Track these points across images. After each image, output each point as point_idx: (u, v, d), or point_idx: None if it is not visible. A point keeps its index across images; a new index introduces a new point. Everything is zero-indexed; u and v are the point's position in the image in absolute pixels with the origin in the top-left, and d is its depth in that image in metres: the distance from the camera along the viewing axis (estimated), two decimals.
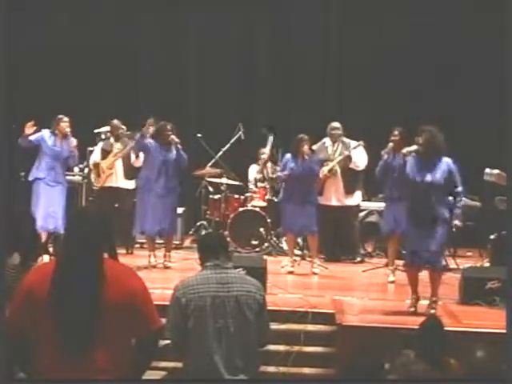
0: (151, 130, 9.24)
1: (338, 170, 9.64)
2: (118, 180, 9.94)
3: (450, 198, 6.94)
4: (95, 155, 10.09)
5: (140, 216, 8.93)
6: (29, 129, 8.92)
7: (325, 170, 9.53)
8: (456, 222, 6.99)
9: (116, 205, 9.80)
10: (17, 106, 9.18)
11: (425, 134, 6.75)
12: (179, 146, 8.90)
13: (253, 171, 11.04)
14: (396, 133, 8.54)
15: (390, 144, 8.49)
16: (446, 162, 6.73)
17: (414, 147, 6.80)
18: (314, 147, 9.66)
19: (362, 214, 10.42)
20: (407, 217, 6.97)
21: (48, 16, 11.75)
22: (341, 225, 9.90)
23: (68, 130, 9.03)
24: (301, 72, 12.16)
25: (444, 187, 6.73)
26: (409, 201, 7.00)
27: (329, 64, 12.28)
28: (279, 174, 9.25)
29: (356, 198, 9.96)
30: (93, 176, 10.01)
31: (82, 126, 9.48)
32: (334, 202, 9.73)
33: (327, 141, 9.82)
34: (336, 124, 9.81)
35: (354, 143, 9.72)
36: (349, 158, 9.63)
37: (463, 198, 9.74)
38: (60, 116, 9.10)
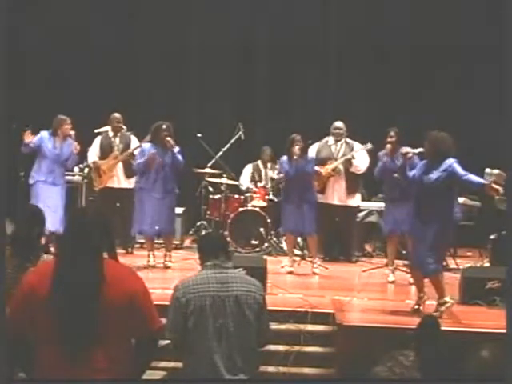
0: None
1: (342, 170, 9.65)
2: (120, 181, 9.93)
3: None
4: (93, 152, 9.97)
5: (138, 217, 8.91)
6: (27, 138, 8.94)
7: (328, 168, 9.54)
8: None
9: (117, 204, 9.79)
10: (17, 106, 9.17)
11: (428, 138, 6.76)
12: (176, 147, 8.87)
13: (247, 172, 11.03)
14: (392, 134, 8.56)
15: (388, 146, 8.51)
16: (448, 162, 6.65)
17: (419, 149, 6.75)
18: (316, 145, 9.68)
19: (361, 214, 10.43)
20: (412, 217, 6.94)
21: (47, 15, 11.75)
22: (341, 224, 9.91)
23: (71, 132, 9.03)
24: (300, 72, 12.15)
25: (442, 189, 6.64)
26: (412, 202, 6.96)
27: (328, 65, 12.27)
28: (276, 176, 9.28)
29: (356, 200, 9.98)
30: (93, 176, 9.97)
31: (82, 126, 9.47)
32: (336, 201, 9.71)
33: (330, 140, 9.81)
34: (339, 124, 9.79)
35: (357, 144, 9.72)
36: (349, 162, 9.63)
37: (463, 198, 9.81)
38: (63, 117, 9.06)
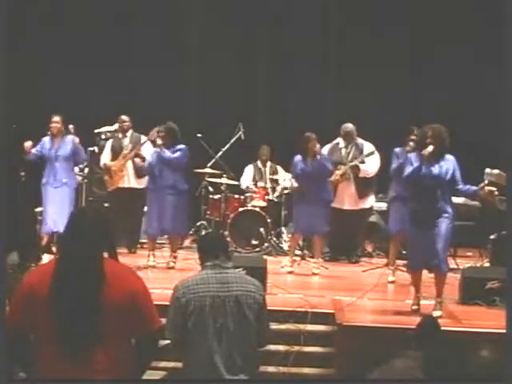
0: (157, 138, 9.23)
1: (351, 175, 9.62)
2: (130, 181, 9.99)
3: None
4: (105, 155, 10.12)
5: (146, 217, 9.05)
6: (28, 147, 9.00)
7: (337, 173, 9.51)
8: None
9: (129, 204, 9.85)
10: (17, 106, 9.17)
11: (433, 132, 6.70)
12: (180, 145, 8.92)
13: (248, 172, 11.01)
14: (416, 132, 8.46)
15: (412, 143, 8.35)
16: (451, 159, 6.70)
17: (431, 148, 6.66)
18: (328, 147, 9.66)
19: None
20: (410, 217, 6.91)
21: (47, 15, 11.75)
22: (351, 227, 9.85)
23: (55, 130, 9.01)
24: (302, 71, 12.15)
25: (448, 184, 6.68)
26: (413, 200, 6.90)
27: (330, 64, 12.28)
28: (289, 185, 9.49)
29: (369, 202, 9.95)
30: (105, 178, 10.04)
31: (82, 125, 9.47)
32: (347, 206, 9.70)
33: (341, 142, 9.79)
34: (349, 125, 9.74)
35: (366, 144, 9.69)
36: (357, 168, 9.60)
37: (463, 198, 9.79)
38: (51, 116, 9.13)
